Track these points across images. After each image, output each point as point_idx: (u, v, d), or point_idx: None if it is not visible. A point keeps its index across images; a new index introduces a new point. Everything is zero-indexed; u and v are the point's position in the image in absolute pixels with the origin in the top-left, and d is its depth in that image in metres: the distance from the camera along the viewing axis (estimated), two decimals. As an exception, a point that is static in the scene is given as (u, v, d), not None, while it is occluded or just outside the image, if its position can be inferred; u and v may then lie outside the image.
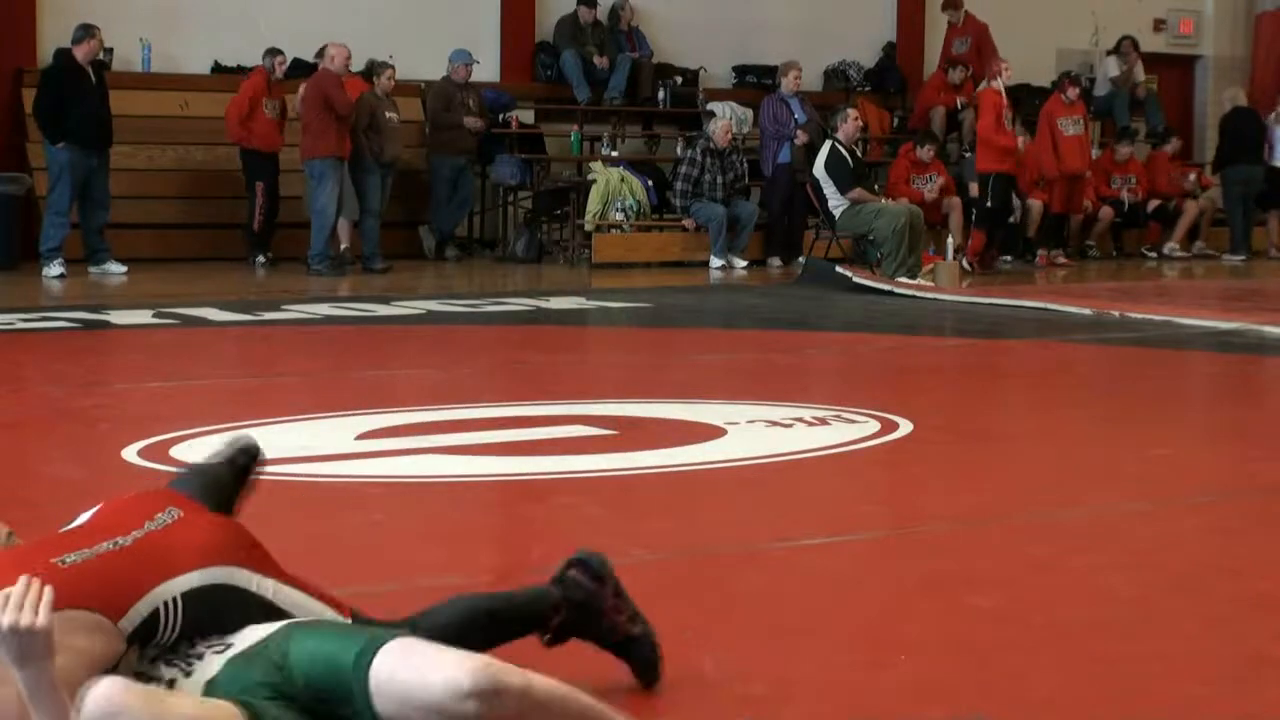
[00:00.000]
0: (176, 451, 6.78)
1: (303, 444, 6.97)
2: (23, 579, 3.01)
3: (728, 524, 5.81)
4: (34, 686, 2.98)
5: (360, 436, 7.23)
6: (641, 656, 3.82)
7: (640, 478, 6.53)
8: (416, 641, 3.16)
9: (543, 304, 13.76)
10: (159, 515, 3.44)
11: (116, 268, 16.08)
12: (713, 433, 7.32)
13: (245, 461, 3.84)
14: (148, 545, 3.35)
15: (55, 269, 15.62)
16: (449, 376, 9.74)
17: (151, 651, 3.28)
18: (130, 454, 6.74)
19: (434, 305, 13.46)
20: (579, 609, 3.75)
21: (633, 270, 17.33)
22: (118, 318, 12.42)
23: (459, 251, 18.75)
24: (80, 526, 3.46)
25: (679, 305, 14.15)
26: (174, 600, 3.29)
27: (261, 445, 3.93)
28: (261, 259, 17.30)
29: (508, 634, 3.70)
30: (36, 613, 2.96)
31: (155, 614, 3.26)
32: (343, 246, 16.98)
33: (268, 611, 3.41)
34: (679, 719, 3.76)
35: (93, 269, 16.09)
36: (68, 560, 3.25)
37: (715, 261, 17.90)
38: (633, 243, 18.33)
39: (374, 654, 3.11)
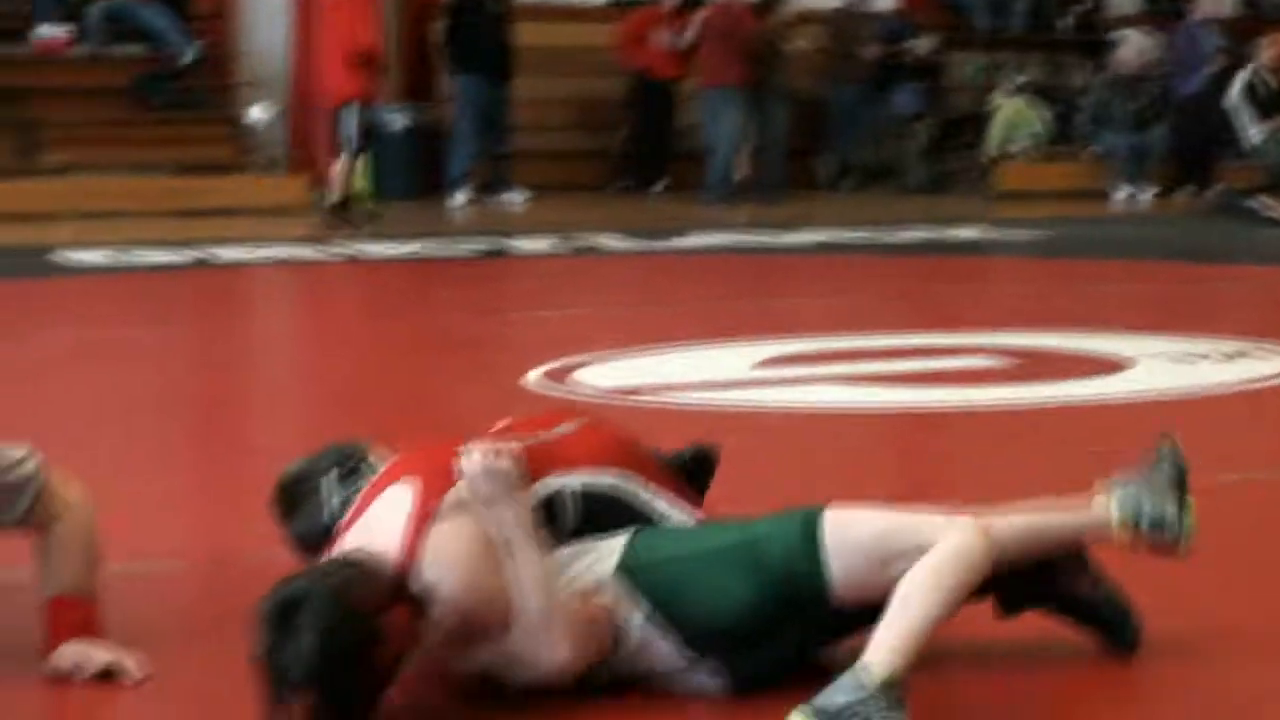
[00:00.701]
0: (579, 376, 6.86)
1: (702, 370, 6.99)
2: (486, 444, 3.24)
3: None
4: (509, 526, 3.16)
5: (757, 364, 7.21)
6: (1107, 619, 3.51)
7: (1042, 410, 6.38)
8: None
9: (942, 234, 13.57)
10: (565, 423, 3.58)
11: (518, 196, 16.40)
12: (1117, 366, 7.10)
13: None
14: (552, 444, 3.48)
15: (460, 197, 16.00)
16: (846, 305, 9.67)
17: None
18: (534, 378, 6.84)
19: (831, 235, 13.39)
20: (1029, 581, 3.43)
21: (1034, 200, 16.97)
22: (519, 245, 12.66)
23: (857, 181, 18.63)
24: (491, 432, 3.57)
25: (1082, 236, 13.81)
26: (571, 493, 3.40)
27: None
28: (659, 187, 17.46)
29: None
30: (503, 457, 3.19)
31: (550, 502, 3.35)
32: (741, 175, 17.00)
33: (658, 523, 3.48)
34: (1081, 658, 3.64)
35: (497, 197, 16.43)
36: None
37: (1120, 192, 17.42)
38: (1035, 172, 17.95)
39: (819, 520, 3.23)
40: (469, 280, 10.94)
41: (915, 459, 5.94)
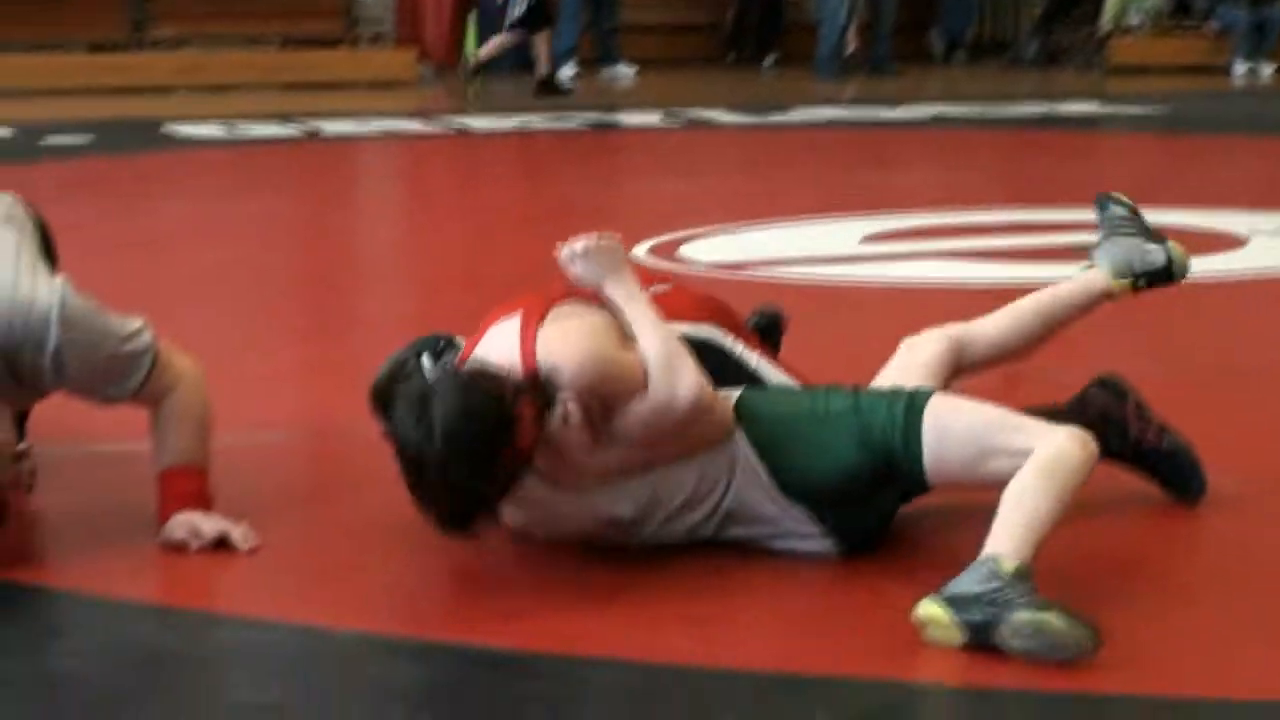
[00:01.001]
0: (686, 250, 6.85)
1: (809, 245, 6.96)
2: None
3: (1247, 338, 5.57)
4: (626, 295, 3.35)
5: (865, 240, 7.18)
6: (1173, 469, 3.67)
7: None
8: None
9: (1054, 108, 13.40)
10: (656, 285, 3.64)
11: (626, 69, 16.32)
12: (1233, 243, 7.01)
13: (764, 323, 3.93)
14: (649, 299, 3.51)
15: (569, 70, 15.95)
16: (956, 180, 9.59)
17: None
18: (641, 251, 6.85)
19: (942, 109, 13.25)
20: (1098, 419, 3.59)
21: (1150, 75, 16.71)
22: (627, 119, 12.62)
23: (968, 55, 18.41)
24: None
25: (1199, 112, 13.59)
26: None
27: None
28: (769, 62, 17.33)
29: None
30: (605, 237, 3.39)
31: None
32: (852, 49, 16.84)
33: (750, 380, 3.53)
34: (1202, 527, 3.63)
35: (604, 70, 16.37)
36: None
37: (1239, 67, 17.12)
38: (1151, 47, 17.66)
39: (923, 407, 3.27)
40: (576, 154, 10.92)
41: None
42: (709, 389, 3.27)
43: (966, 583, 2.93)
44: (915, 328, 5.42)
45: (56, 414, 4.43)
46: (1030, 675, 2.82)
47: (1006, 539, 2.99)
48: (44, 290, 3.34)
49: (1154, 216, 7.59)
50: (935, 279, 6.37)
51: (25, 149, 10.73)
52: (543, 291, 3.43)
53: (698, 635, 3.04)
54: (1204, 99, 14.63)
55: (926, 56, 18.39)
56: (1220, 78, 16.76)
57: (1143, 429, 3.66)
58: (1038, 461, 3.10)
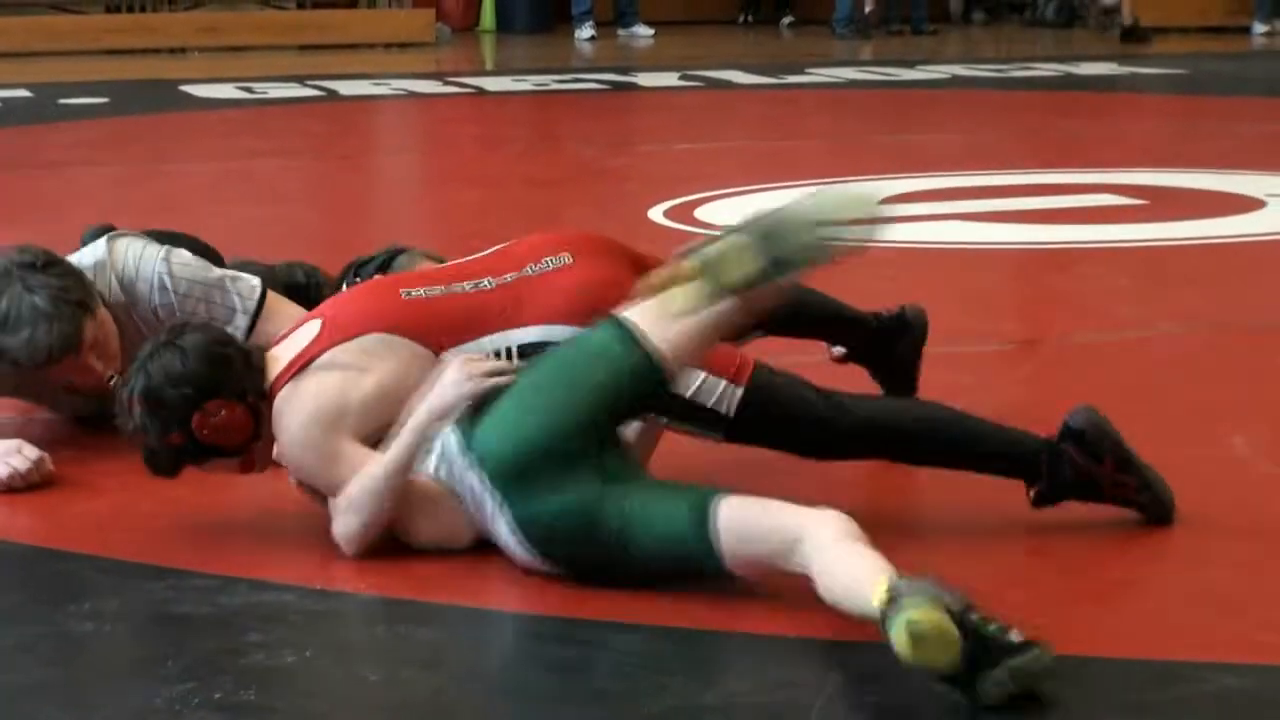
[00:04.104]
0: (701, 213, 6.85)
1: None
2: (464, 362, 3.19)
3: (1263, 299, 5.56)
4: (414, 424, 3.15)
5: (881, 201, 7.14)
6: (1150, 515, 3.33)
7: (1170, 249, 6.30)
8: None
9: (1073, 69, 13.34)
10: (547, 259, 3.43)
11: (644, 30, 16.29)
12: (1250, 205, 6.99)
13: None
14: (510, 291, 3.37)
15: (586, 31, 15.92)
16: (973, 142, 9.57)
17: None
18: (656, 214, 6.84)
19: (959, 70, 13.21)
20: (1073, 489, 3.29)
21: (1169, 35, 16.63)
22: (645, 79, 12.60)
23: (986, 15, 18.33)
24: (463, 263, 3.52)
25: (1218, 72, 13.52)
26: (507, 350, 3.32)
27: None
28: (787, 21, 17.28)
29: (965, 462, 3.38)
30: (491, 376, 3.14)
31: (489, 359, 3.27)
32: (869, 9, 16.78)
33: None
34: (1198, 495, 3.63)
35: (621, 31, 16.34)
36: (412, 294, 3.38)
37: (1260, 27, 17.02)
38: (1170, 6, 17.56)
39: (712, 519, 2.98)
40: (594, 114, 10.91)
41: (1040, 295, 5.89)
42: (368, 533, 3.19)
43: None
44: (933, 288, 5.43)
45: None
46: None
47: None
48: None
49: (1171, 178, 7.62)
50: (953, 240, 6.36)
51: (43, 110, 10.74)
52: (369, 301, 3.40)
53: (712, 601, 3.04)
54: (1224, 60, 14.56)
55: (945, 16, 18.32)
56: (1240, 38, 16.67)
57: (1117, 490, 3.30)
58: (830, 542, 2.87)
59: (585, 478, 3.04)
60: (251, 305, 3.93)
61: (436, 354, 3.30)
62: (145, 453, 3.29)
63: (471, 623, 2.98)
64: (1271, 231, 6.52)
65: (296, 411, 3.24)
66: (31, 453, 3.70)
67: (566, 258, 3.41)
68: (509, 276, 3.39)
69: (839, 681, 2.73)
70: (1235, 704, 2.67)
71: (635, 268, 3.41)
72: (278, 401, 3.27)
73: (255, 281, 3.97)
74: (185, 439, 3.24)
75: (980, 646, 2.58)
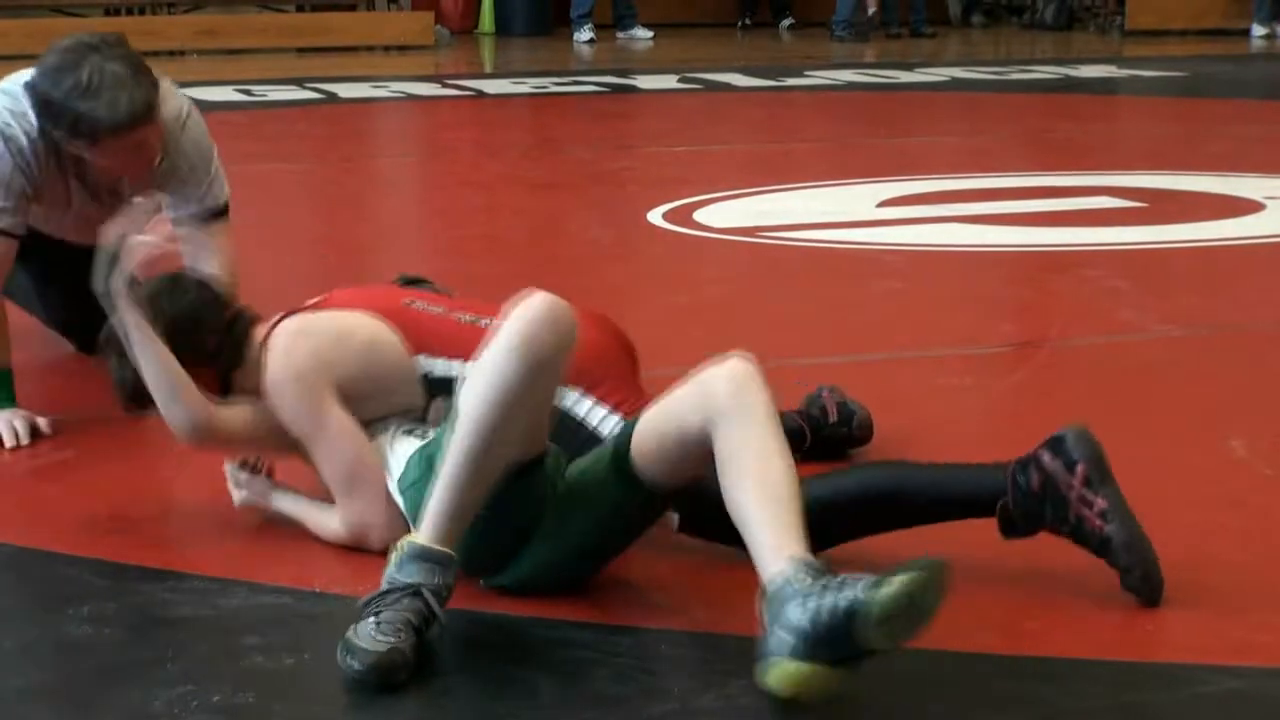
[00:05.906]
0: (700, 215, 6.85)
1: (824, 210, 6.95)
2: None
3: (1263, 302, 5.56)
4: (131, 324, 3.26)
5: (882, 204, 7.16)
6: (1116, 564, 3.01)
7: (1170, 251, 6.30)
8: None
9: (1072, 72, 13.35)
10: (470, 316, 3.43)
11: (643, 33, 16.29)
12: (1250, 207, 6.99)
13: None
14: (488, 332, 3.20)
15: (585, 34, 15.92)
16: (973, 145, 9.57)
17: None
18: (655, 217, 6.84)
19: (959, 72, 13.22)
20: (1040, 487, 3.03)
21: (1168, 38, 16.64)
22: (644, 82, 12.60)
23: (985, 18, 18.35)
24: (470, 299, 3.55)
25: (1217, 75, 13.53)
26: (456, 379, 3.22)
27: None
28: (786, 24, 17.28)
29: (920, 517, 3.14)
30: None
31: (448, 381, 3.25)
32: (869, 12, 16.80)
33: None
34: (1200, 500, 3.62)
35: (620, 34, 16.34)
36: (414, 305, 3.46)
37: (1258, 29, 17.04)
38: (1169, 9, 17.58)
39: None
40: (593, 117, 10.91)
41: (1039, 297, 5.89)
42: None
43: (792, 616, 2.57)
44: (932, 292, 5.44)
45: (64, 381, 4.45)
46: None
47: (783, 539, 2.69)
48: None
49: (1171, 181, 7.62)
50: (952, 244, 6.36)
51: (42, 112, 10.72)
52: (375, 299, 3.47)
53: (712, 602, 3.04)
54: (1222, 63, 14.57)
55: (944, 19, 18.34)
56: (1239, 41, 16.68)
57: (1083, 508, 3.00)
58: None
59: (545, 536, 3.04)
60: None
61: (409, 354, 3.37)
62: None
63: (469, 626, 2.97)
64: (1271, 234, 6.52)
65: (284, 334, 3.37)
66: (22, 425, 3.97)
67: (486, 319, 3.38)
68: (491, 320, 3.35)
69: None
70: (1235, 706, 2.67)
71: (626, 351, 3.44)
72: (270, 339, 3.37)
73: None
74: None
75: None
